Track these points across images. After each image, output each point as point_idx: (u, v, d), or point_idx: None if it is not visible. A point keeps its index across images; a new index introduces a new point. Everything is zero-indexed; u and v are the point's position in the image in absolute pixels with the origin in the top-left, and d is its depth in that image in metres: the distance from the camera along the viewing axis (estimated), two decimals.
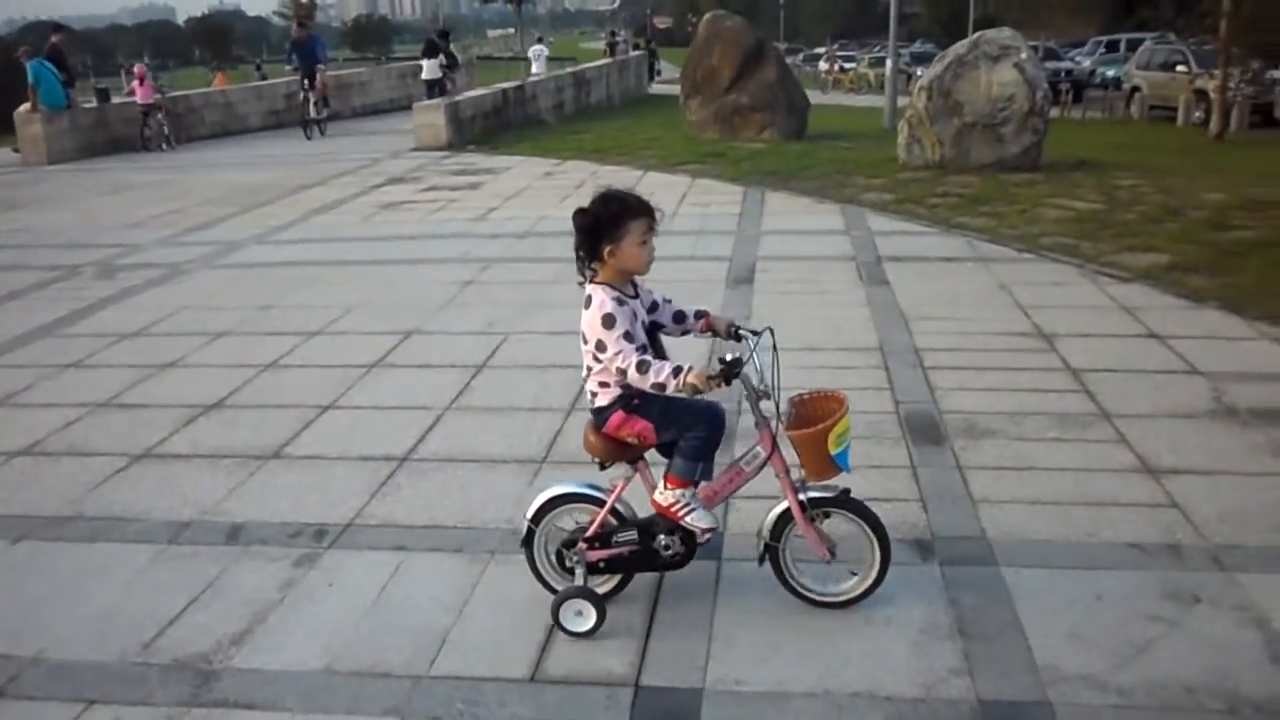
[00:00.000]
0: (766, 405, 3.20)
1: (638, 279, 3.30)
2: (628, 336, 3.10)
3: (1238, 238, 8.58)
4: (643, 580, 3.62)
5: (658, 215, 3.18)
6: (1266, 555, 3.68)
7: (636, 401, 3.22)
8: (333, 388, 5.72)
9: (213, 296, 7.95)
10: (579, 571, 3.39)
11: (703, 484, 3.35)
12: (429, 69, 21.85)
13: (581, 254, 3.18)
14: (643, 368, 3.06)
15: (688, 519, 3.29)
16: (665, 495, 3.31)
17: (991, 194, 10.84)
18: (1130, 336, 6.22)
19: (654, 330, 3.37)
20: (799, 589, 3.41)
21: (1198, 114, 21.03)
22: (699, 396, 3.12)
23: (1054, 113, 15.56)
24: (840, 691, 3.01)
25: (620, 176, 13.22)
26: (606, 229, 3.11)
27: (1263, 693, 2.94)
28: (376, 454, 4.81)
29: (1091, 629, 3.26)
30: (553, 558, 3.49)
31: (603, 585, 3.46)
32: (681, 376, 3.01)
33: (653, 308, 3.38)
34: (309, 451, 4.89)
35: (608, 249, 3.12)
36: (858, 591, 3.37)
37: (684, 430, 3.27)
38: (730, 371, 3.03)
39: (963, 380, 5.53)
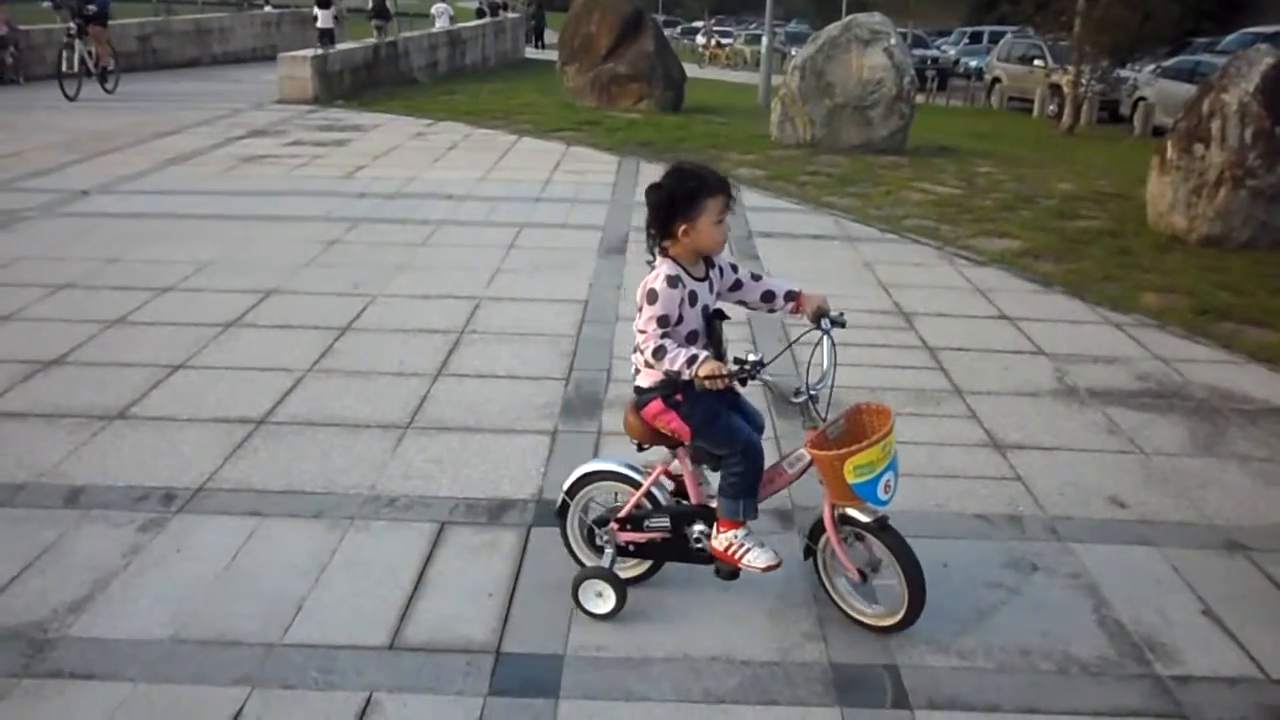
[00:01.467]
0: (811, 408, 2.99)
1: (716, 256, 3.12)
2: (662, 321, 2.94)
3: (1083, 227, 9.05)
4: (505, 546, 3.60)
5: (734, 193, 3.03)
6: (1098, 527, 3.91)
7: (679, 398, 3.03)
8: (185, 346, 5.46)
9: (53, 247, 7.46)
10: (608, 552, 3.30)
11: None
12: (323, 18, 21.40)
13: (653, 231, 3.00)
14: (659, 354, 2.91)
15: (745, 560, 3.11)
16: (719, 539, 3.15)
17: (859, 175, 11.14)
18: (983, 317, 6.50)
19: (716, 317, 3.11)
20: (832, 594, 3.26)
21: (1051, 107, 22.05)
22: (734, 416, 3.04)
23: (920, 99, 16.07)
24: (699, 656, 3.07)
25: (494, 140, 13.02)
26: (682, 206, 2.92)
27: (1090, 654, 3.14)
28: (231, 416, 4.63)
29: (937, 595, 3.38)
30: (584, 534, 3.41)
31: (631, 569, 3.37)
32: (695, 367, 2.84)
33: (735, 285, 3.18)
34: (158, 412, 4.66)
35: (682, 227, 2.94)
36: (884, 623, 3.15)
37: (716, 447, 3.08)
38: (745, 373, 2.85)
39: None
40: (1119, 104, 21.95)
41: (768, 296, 3.18)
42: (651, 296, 2.95)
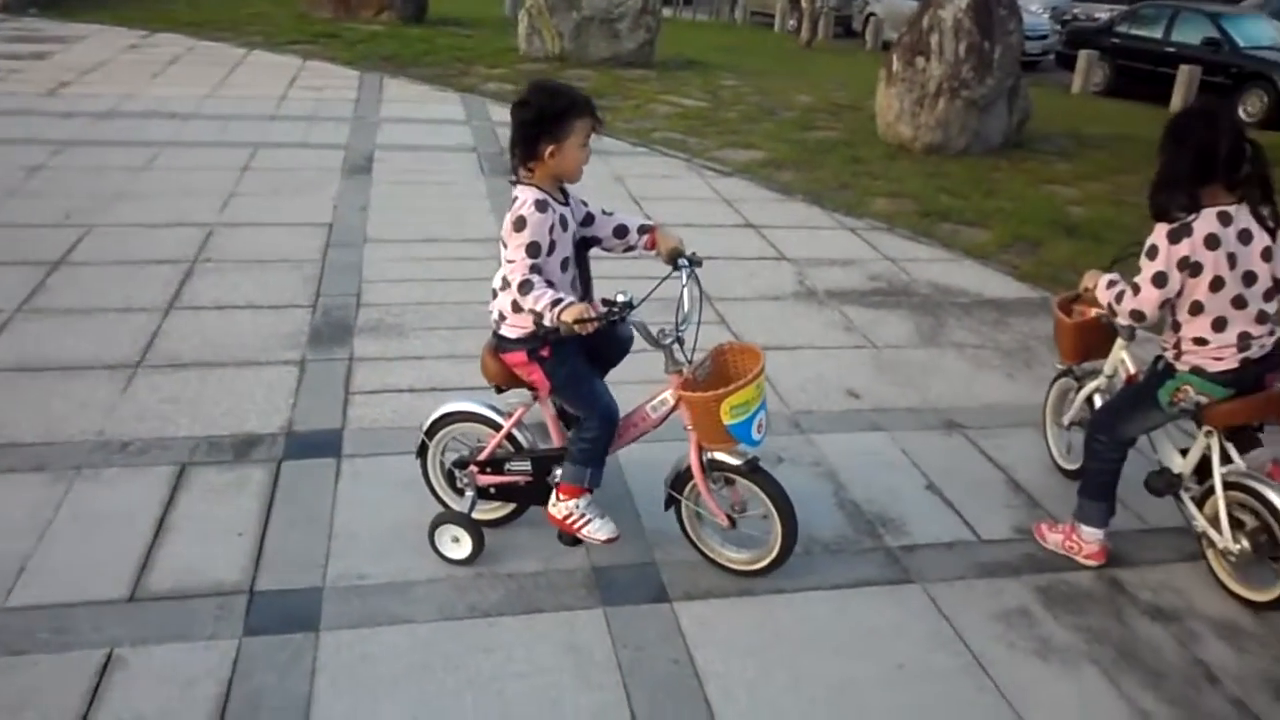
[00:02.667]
0: (677, 351, 2.90)
1: (570, 188, 2.98)
2: (531, 249, 2.76)
3: (820, 137, 9.50)
4: (253, 483, 3.44)
5: (601, 115, 2.88)
6: (836, 418, 4.19)
7: (545, 354, 2.91)
8: None
9: None
10: (468, 494, 3.18)
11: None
12: None
13: (518, 151, 2.83)
14: (525, 287, 2.74)
15: (585, 531, 3.03)
16: (559, 507, 3.04)
17: (608, 88, 11.15)
18: (730, 226, 6.72)
19: (585, 246, 3.01)
20: (698, 544, 3.16)
21: (791, 22, 22.84)
22: (596, 380, 2.96)
23: (666, 12, 16.20)
24: (462, 574, 3.06)
25: (221, 54, 12.07)
26: (550, 126, 2.76)
27: (830, 534, 3.38)
28: None
29: None
30: (445, 476, 3.28)
31: (493, 512, 3.26)
32: (558, 310, 2.67)
33: (587, 220, 3.03)
34: None
35: (549, 148, 2.78)
36: (754, 567, 3.10)
37: (574, 408, 3.00)
38: (613, 315, 2.71)
39: None
40: (851, 19, 23.02)
41: (620, 231, 3.04)
42: (520, 223, 2.76)
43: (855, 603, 3.05)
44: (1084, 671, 2.83)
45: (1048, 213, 7.29)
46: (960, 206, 7.38)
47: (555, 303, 2.68)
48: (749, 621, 2.93)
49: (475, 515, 3.16)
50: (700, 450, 2.95)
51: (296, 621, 2.83)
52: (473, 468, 3.15)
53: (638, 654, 2.78)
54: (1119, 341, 3.43)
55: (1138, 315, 3.00)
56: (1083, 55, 15.17)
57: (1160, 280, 2.90)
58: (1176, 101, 13.17)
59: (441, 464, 3.29)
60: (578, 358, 2.95)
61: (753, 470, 2.96)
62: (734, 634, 2.87)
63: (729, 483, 3.03)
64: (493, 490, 3.18)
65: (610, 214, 3.06)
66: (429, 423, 3.23)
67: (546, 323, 2.69)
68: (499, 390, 3.13)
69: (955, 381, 4.59)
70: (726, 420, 2.77)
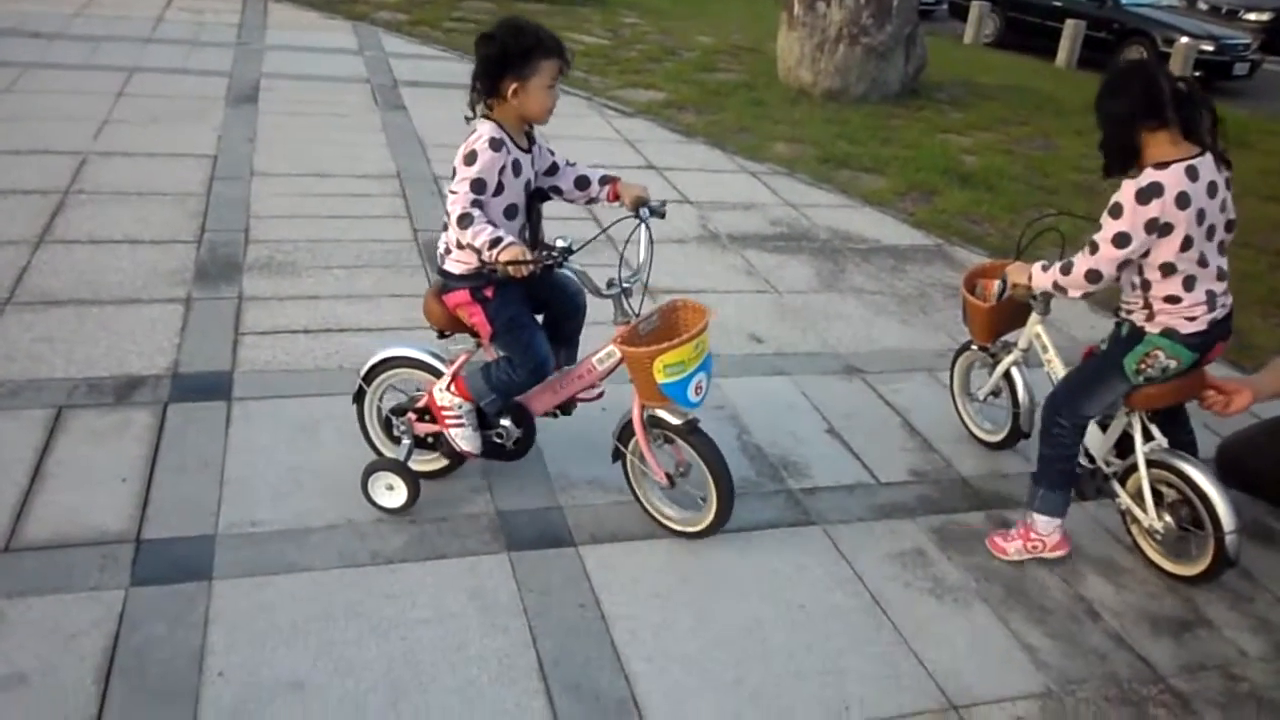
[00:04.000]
0: (624, 301, 2.84)
1: (540, 138, 2.87)
2: (477, 185, 2.66)
3: (722, 79, 9.45)
4: (137, 427, 3.28)
5: (570, 58, 2.77)
6: (739, 361, 4.21)
7: (489, 294, 2.82)
8: None
9: None
10: (404, 443, 3.06)
11: (553, 376, 3.02)
12: None
13: (478, 87, 2.72)
14: (464, 221, 2.63)
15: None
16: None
17: None
18: (633, 167, 6.65)
19: (541, 197, 2.90)
20: (641, 500, 3.10)
21: None
22: (538, 333, 2.86)
23: None
24: (363, 520, 2.99)
25: None
26: (515, 62, 2.65)
27: (735, 477, 3.39)
28: None
29: (600, 438, 3.51)
30: (381, 423, 3.15)
31: (431, 463, 3.15)
32: (497, 250, 2.57)
33: (551, 169, 2.93)
34: None
35: (513, 86, 2.67)
36: (691, 529, 3.04)
37: (510, 354, 2.90)
38: (551, 260, 2.63)
39: None
40: None
41: (582, 183, 2.96)
42: (471, 158, 2.66)
43: (758, 545, 3.09)
44: (975, 609, 2.93)
45: (943, 161, 7.42)
46: (859, 153, 7.46)
47: (495, 242, 2.58)
48: (655, 564, 2.94)
49: (412, 467, 3.06)
50: (642, 407, 2.89)
51: (187, 571, 2.72)
52: (410, 415, 3.05)
53: (543, 598, 2.77)
54: (1033, 316, 3.42)
55: (1094, 276, 2.87)
56: (975, 6, 15.41)
57: (1122, 241, 2.77)
58: (1062, 56, 13.53)
59: (378, 410, 3.17)
60: (522, 304, 2.89)
61: (690, 431, 2.88)
62: (640, 577, 2.88)
63: (669, 441, 2.96)
64: (430, 440, 3.08)
65: (573, 164, 2.98)
66: (366, 368, 3.11)
67: (484, 258, 2.61)
68: (441, 335, 3.03)
69: (855, 326, 4.66)
70: (660, 379, 2.69)
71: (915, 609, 2.89)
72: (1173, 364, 2.90)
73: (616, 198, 2.97)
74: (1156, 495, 3.09)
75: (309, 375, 3.72)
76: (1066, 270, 2.93)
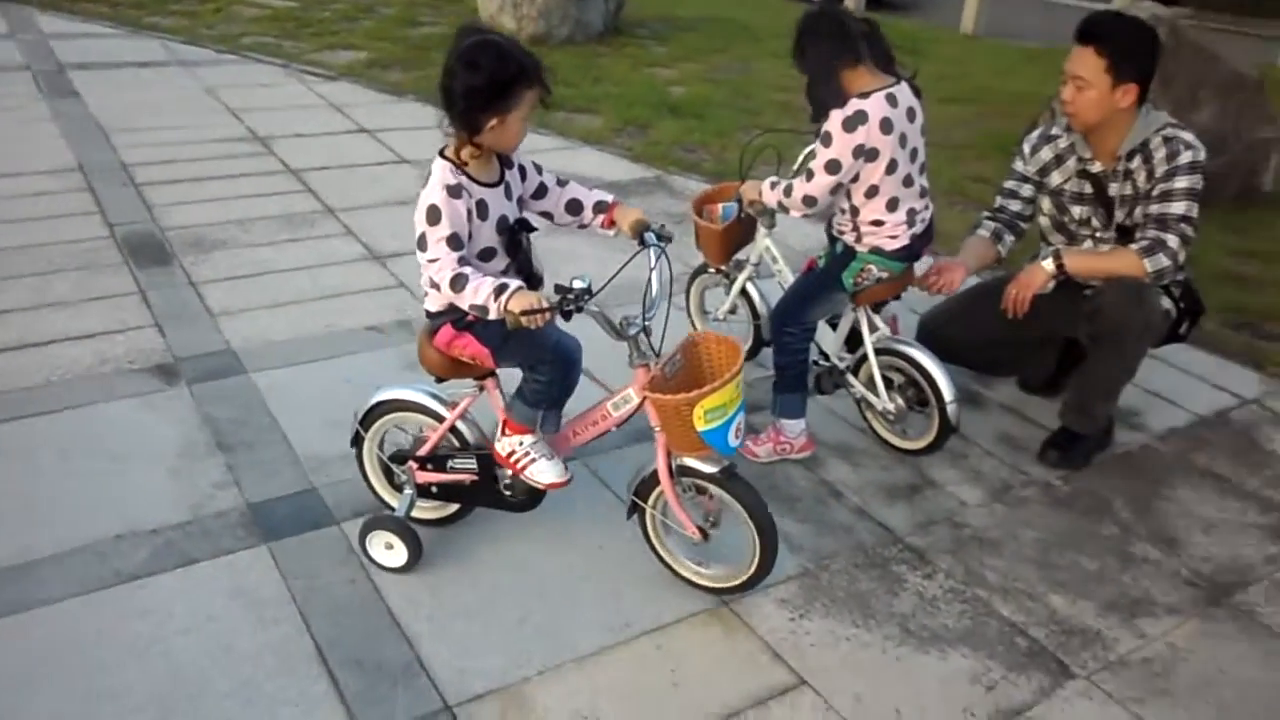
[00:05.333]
0: (643, 342, 2.52)
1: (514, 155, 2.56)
2: (453, 242, 2.36)
3: (425, 34, 9.23)
4: None
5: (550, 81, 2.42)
6: None
7: (471, 318, 2.50)
8: None
9: None
10: (406, 492, 2.79)
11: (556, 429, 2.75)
12: None
13: (458, 122, 2.34)
14: (458, 283, 2.34)
15: (528, 471, 2.68)
16: (503, 443, 2.69)
17: None
18: (342, 133, 6.41)
19: (526, 228, 2.55)
20: (666, 559, 2.78)
21: None
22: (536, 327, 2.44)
23: None
24: (101, 539, 2.77)
25: None
26: (497, 95, 2.29)
27: (493, 427, 3.40)
28: None
29: (344, 412, 3.41)
30: (383, 470, 2.90)
31: (434, 511, 2.90)
32: (504, 298, 2.29)
33: (539, 191, 2.63)
34: None
35: (493, 122, 2.32)
36: (729, 584, 2.71)
37: (526, 364, 2.62)
38: (567, 305, 2.32)
39: (182, 193, 5.22)
40: None
41: (574, 207, 2.67)
42: (434, 215, 2.36)
43: None
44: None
45: (652, 95, 7.62)
46: (571, 94, 7.52)
47: (499, 290, 2.30)
48: (424, 529, 2.91)
49: (413, 514, 2.82)
50: (669, 455, 2.59)
51: None
52: (411, 463, 2.78)
53: (310, 582, 2.68)
54: (761, 231, 3.60)
55: (810, 201, 3.10)
56: None
57: (834, 167, 2.99)
58: None
59: (379, 457, 2.91)
60: None
61: (729, 478, 2.56)
62: None
63: (700, 491, 2.66)
64: (434, 489, 2.83)
65: (565, 184, 2.69)
66: (363, 411, 2.84)
67: (492, 316, 2.33)
68: (439, 381, 2.77)
69: (590, 265, 4.72)
70: (700, 426, 2.40)
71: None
72: (884, 275, 3.21)
73: (612, 224, 2.67)
74: (886, 381, 3.38)
75: (12, 397, 3.39)
76: (788, 193, 3.17)
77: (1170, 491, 3.35)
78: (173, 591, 2.62)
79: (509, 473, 2.73)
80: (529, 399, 2.65)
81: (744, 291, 3.80)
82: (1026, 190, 3.50)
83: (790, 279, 3.51)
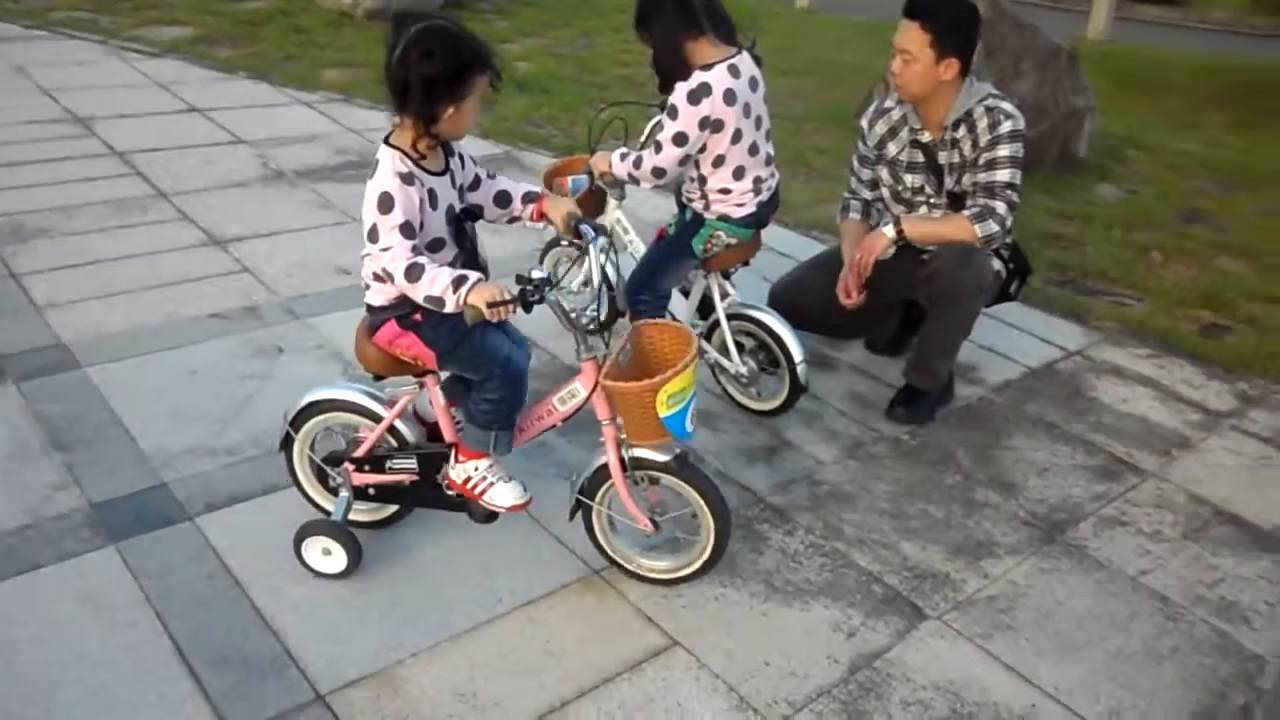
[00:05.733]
0: (602, 336, 2.48)
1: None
2: (406, 230, 2.26)
3: (253, 8, 8.83)
4: None
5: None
6: (330, 297, 4.09)
7: (417, 317, 2.42)
8: None
9: None
10: (341, 495, 2.66)
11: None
12: None
13: (416, 112, 2.24)
14: (413, 273, 2.25)
15: (487, 496, 2.61)
16: (458, 470, 2.61)
17: None
18: (172, 113, 6.10)
19: (469, 217, 2.48)
20: (612, 556, 2.73)
21: None
22: (490, 330, 2.43)
23: None
24: None
25: None
26: (452, 83, 2.22)
27: None
28: None
29: (191, 403, 3.29)
30: (315, 472, 2.76)
31: (373, 513, 2.79)
32: (463, 291, 2.21)
33: (474, 183, 2.53)
34: None
35: (449, 110, 2.25)
36: (680, 574, 2.70)
37: (469, 371, 2.54)
38: (529, 297, 2.26)
39: None
40: None
41: (503, 199, 2.58)
42: (386, 203, 2.25)
43: None
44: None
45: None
46: None
47: (458, 282, 2.23)
48: (281, 517, 2.82)
49: (353, 519, 2.70)
50: (619, 448, 2.54)
51: None
52: (348, 465, 2.65)
53: (165, 581, 2.57)
54: (611, 203, 3.61)
55: (658, 172, 3.16)
56: None
57: (680, 139, 3.06)
58: None
59: (310, 459, 2.76)
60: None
61: (683, 466, 2.54)
62: (268, 533, 2.76)
63: (651, 482, 2.61)
64: (372, 491, 2.70)
65: (494, 177, 2.60)
66: (294, 412, 2.69)
67: (449, 309, 2.26)
68: (378, 378, 2.64)
69: None
70: (662, 412, 2.40)
71: (550, 492, 3.01)
72: (733, 241, 3.30)
73: (542, 217, 2.60)
74: (738, 345, 3.47)
75: None
76: (637, 165, 3.23)
77: (1007, 440, 3.57)
78: (15, 600, 2.47)
79: (452, 475, 2.63)
80: (480, 421, 2.57)
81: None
82: (871, 174, 3.64)
83: (642, 249, 3.56)
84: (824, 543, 2.96)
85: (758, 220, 3.32)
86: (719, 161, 3.18)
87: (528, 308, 2.29)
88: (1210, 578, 2.97)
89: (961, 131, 3.33)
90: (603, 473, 2.59)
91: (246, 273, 4.21)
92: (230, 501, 2.88)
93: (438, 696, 2.32)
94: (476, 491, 2.62)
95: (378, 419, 2.62)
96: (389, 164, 2.28)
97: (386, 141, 2.33)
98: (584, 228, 2.54)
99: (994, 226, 3.26)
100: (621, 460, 2.54)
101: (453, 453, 2.61)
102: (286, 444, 2.73)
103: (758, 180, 3.27)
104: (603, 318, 2.52)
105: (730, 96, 3.05)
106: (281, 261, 4.33)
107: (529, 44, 8.66)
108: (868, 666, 2.53)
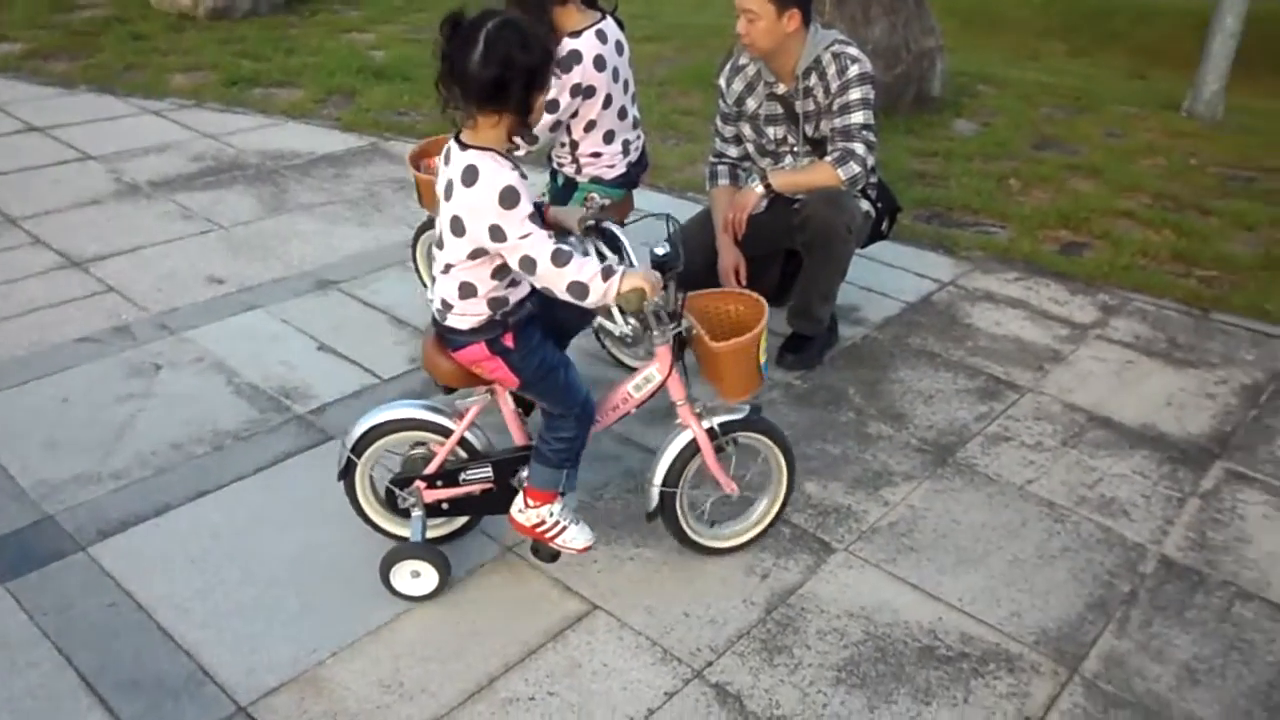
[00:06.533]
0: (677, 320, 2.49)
1: None
2: (534, 219, 2.22)
3: (87, 17, 8.41)
4: None
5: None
6: (205, 308, 3.97)
7: (509, 342, 2.38)
8: None
9: None
10: (415, 515, 2.57)
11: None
12: None
13: (501, 108, 2.18)
14: (560, 257, 2.21)
15: (560, 540, 2.54)
16: (528, 514, 2.52)
17: None
18: (10, 134, 5.79)
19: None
20: (695, 538, 2.71)
21: None
22: (573, 369, 2.47)
23: None
24: None
25: None
26: (543, 70, 2.21)
27: (238, 423, 3.26)
28: None
29: (67, 432, 3.17)
30: (381, 495, 2.65)
31: (441, 527, 2.71)
32: (616, 280, 2.22)
33: None
34: None
35: (540, 98, 2.24)
36: (761, 527, 2.77)
37: (549, 405, 2.46)
38: (670, 277, 2.36)
39: None
40: None
41: None
42: (512, 196, 2.17)
43: (284, 477, 3.02)
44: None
45: (353, 61, 7.35)
46: (266, 69, 7.14)
47: (607, 271, 2.24)
48: (178, 535, 2.76)
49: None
50: (700, 420, 2.58)
51: None
52: (419, 483, 2.56)
53: (64, 615, 2.48)
54: None
55: (531, 139, 3.19)
56: None
57: (553, 107, 3.11)
58: None
59: (371, 481, 2.66)
60: (546, 343, 2.47)
61: (760, 417, 2.67)
62: (167, 553, 2.69)
63: (719, 450, 2.64)
64: (445, 505, 2.61)
65: None
66: (355, 437, 2.57)
67: (592, 299, 2.24)
68: (447, 391, 2.59)
69: (314, 242, 4.57)
70: (762, 359, 2.55)
71: None
72: (607, 202, 3.31)
73: (553, 227, 2.61)
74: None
75: None
76: None
77: (893, 373, 3.70)
78: None
79: (525, 474, 2.56)
80: (552, 460, 2.49)
81: None
82: (734, 130, 3.70)
83: None
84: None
85: (628, 180, 3.39)
86: (590, 126, 3.23)
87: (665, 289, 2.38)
88: (1090, 479, 3.14)
89: (813, 79, 3.41)
90: (685, 454, 2.60)
91: (112, 292, 4.05)
92: (123, 526, 2.79)
93: (362, 691, 2.31)
94: (548, 536, 2.57)
95: (446, 432, 2.56)
96: (492, 162, 2.20)
97: (463, 144, 2.24)
98: (604, 225, 2.74)
99: (855, 168, 3.36)
100: (710, 431, 2.59)
101: (521, 496, 2.55)
102: (347, 472, 2.62)
103: (626, 143, 3.34)
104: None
105: (600, 62, 3.10)
106: (148, 277, 4.18)
107: (383, 31, 8.47)
108: (783, 604, 2.61)
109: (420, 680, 2.34)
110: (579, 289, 2.24)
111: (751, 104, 3.58)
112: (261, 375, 3.52)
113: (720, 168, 3.77)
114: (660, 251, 2.39)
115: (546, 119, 3.14)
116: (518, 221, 2.19)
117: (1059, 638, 2.54)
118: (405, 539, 2.62)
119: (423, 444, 2.62)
